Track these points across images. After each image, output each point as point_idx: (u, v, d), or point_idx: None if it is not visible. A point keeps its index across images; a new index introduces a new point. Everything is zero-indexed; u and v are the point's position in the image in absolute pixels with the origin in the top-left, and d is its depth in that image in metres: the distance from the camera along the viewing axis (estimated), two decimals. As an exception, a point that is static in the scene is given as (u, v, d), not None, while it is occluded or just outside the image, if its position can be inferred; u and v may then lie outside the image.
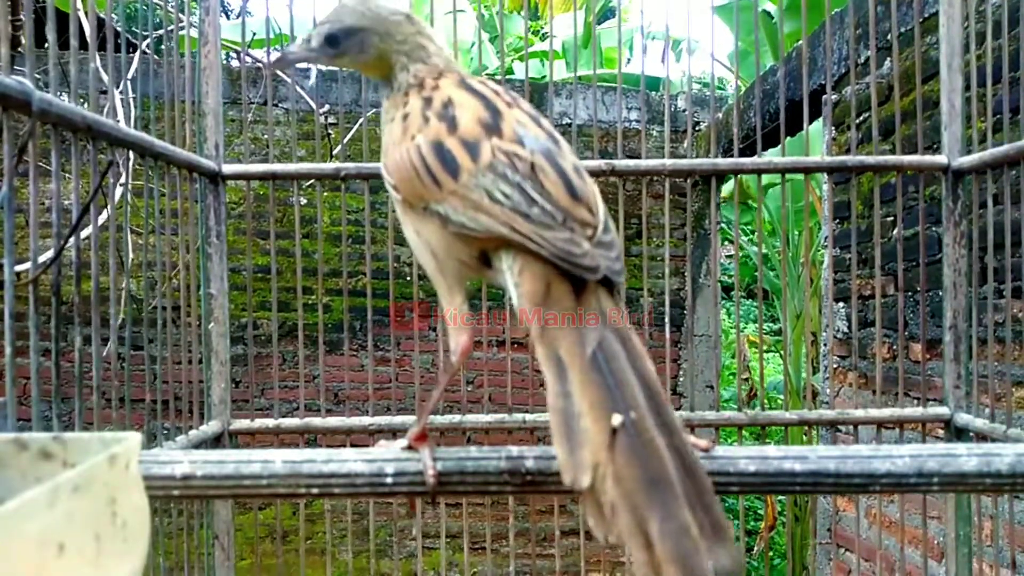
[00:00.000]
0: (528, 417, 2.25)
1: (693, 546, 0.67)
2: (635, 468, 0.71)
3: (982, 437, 2.00)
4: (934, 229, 3.14)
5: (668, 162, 2.19)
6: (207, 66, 2.10)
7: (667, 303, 2.38)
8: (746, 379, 8.27)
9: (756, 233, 5.41)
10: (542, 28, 10.16)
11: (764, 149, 4.61)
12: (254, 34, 5.35)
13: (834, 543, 4.02)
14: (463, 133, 0.91)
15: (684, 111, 6.18)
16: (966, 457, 0.77)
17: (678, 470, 0.72)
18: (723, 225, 8.52)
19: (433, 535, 5.62)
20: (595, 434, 0.73)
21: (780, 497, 7.13)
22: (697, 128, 6.31)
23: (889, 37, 3.40)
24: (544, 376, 0.80)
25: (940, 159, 2.13)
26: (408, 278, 5.83)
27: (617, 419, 0.73)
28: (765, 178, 5.86)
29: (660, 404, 0.76)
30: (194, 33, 2.10)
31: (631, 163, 2.19)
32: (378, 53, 1.05)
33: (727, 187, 6.34)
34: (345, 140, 2.48)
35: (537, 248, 0.83)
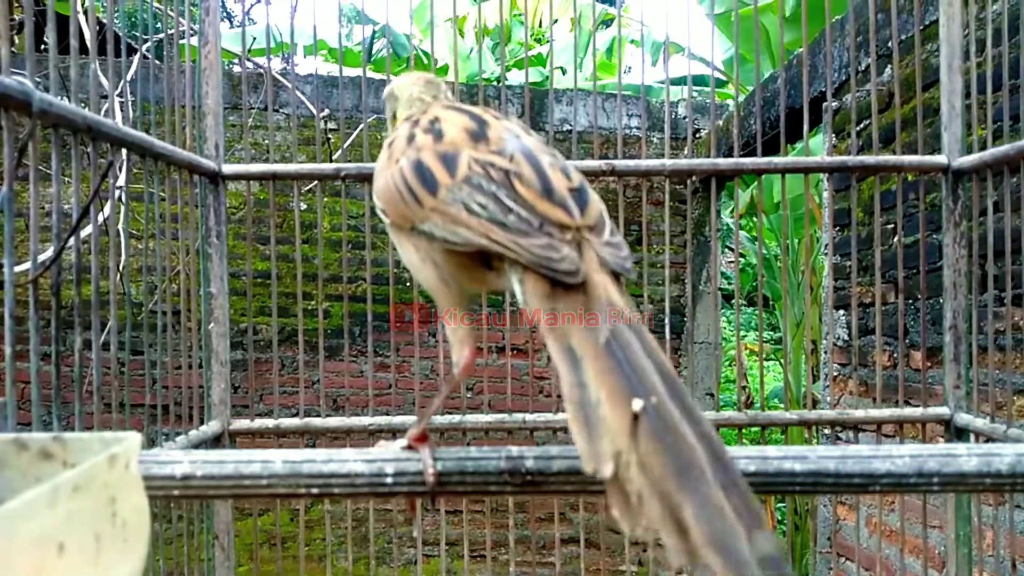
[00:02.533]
0: (528, 417, 2.24)
1: (731, 529, 0.65)
2: (661, 454, 0.69)
3: (984, 438, 2.00)
4: (934, 236, 3.15)
5: (668, 162, 2.19)
6: (207, 67, 2.10)
7: (667, 310, 2.38)
8: (744, 387, 8.27)
9: (757, 240, 5.43)
10: (543, 34, 10.19)
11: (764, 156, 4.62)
12: (254, 39, 5.37)
13: (834, 552, 4.01)
14: (446, 144, 0.93)
15: (684, 118, 6.19)
16: (966, 457, 0.77)
17: (707, 455, 0.69)
18: (728, 225, 8.53)
19: (432, 542, 5.61)
20: (615, 420, 0.72)
21: (780, 505, 7.13)
22: (697, 135, 6.32)
23: (889, 44, 3.40)
24: (557, 369, 0.78)
25: (940, 159, 2.13)
26: (408, 284, 5.83)
27: (638, 404, 0.71)
28: (771, 201, 5.87)
29: (679, 391, 0.74)
30: (194, 39, 2.10)
31: (631, 163, 2.19)
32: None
33: (743, 196, 6.36)
34: (345, 145, 2.48)
35: (515, 256, 0.83)
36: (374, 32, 8.97)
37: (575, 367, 0.77)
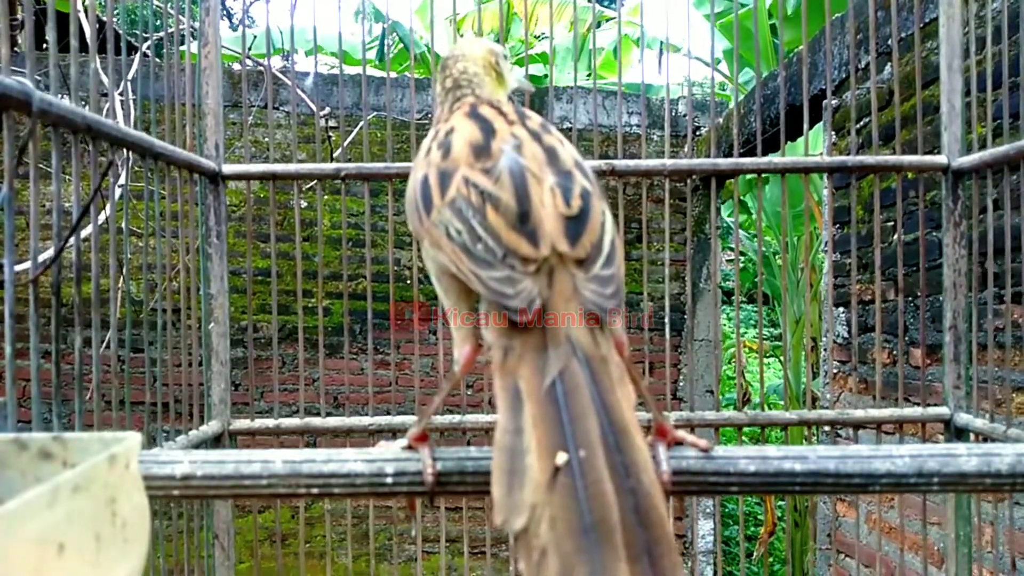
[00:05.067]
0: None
1: None
2: (571, 512, 0.67)
3: (984, 438, 2.00)
4: (934, 234, 3.14)
5: (668, 162, 2.19)
6: (207, 66, 2.10)
7: (667, 307, 2.39)
8: (742, 384, 8.28)
9: (756, 237, 5.42)
10: (542, 34, 10.18)
11: (764, 154, 4.63)
12: (255, 38, 5.36)
13: (834, 548, 4.01)
14: (449, 161, 0.92)
15: (684, 116, 6.18)
16: (966, 457, 0.77)
17: (627, 515, 0.68)
18: (728, 223, 8.52)
19: (433, 539, 5.62)
20: (537, 473, 0.70)
21: (780, 502, 7.13)
22: (698, 133, 6.32)
23: (889, 42, 3.40)
24: (497, 409, 0.76)
25: (940, 159, 2.13)
26: (408, 281, 5.83)
27: (562, 458, 0.70)
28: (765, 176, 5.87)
29: (623, 442, 0.72)
30: (194, 43, 2.10)
31: (631, 163, 2.19)
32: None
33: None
34: (346, 143, 2.48)
35: (474, 287, 0.82)
36: (384, 30, 8.98)
37: (515, 411, 0.75)
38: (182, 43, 2.13)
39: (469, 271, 0.83)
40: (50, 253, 1.30)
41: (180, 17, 2.07)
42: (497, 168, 0.89)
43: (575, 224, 0.86)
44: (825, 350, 4.27)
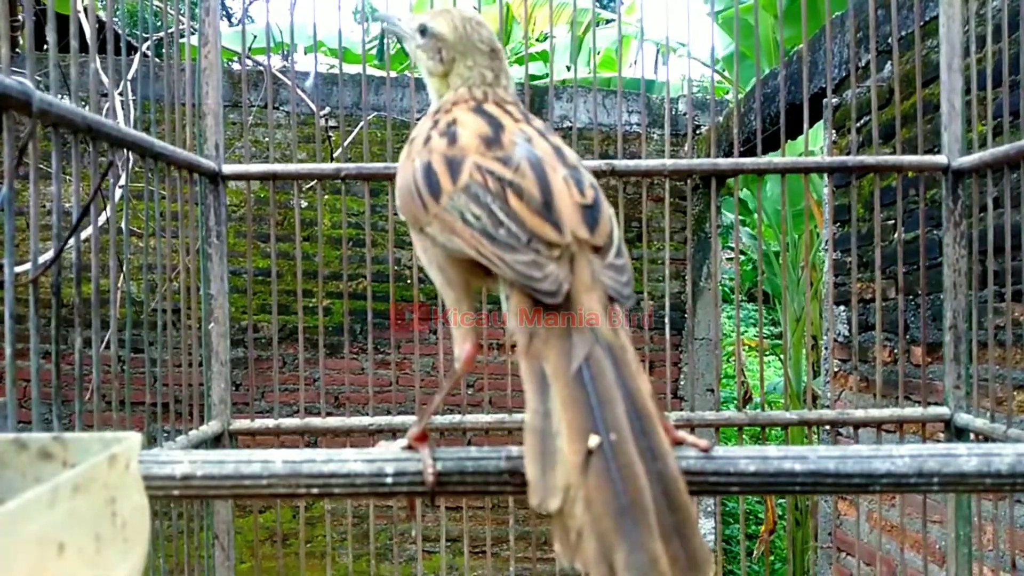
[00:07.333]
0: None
1: None
2: (607, 493, 0.69)
3: (984, 438, 2.00)
4: (935, 232, 3.14)
5: (668, 162, 2.19)
6: (207, 66, 2.10)
7: (667, 306, 2.38)
8: (743, 383, 8.28)
9: (757, 236, 5.41)
10: (543, 33, 10.17)
11: (764, 152, 4.62)
12: (255, 37, 5.36)
13: (835, 547, 4.01)
14: (456, 149, 0.92)
15: (685, 114, 6.18)
16: (966, 457, 0.77)
17: (657, 497, 0.70)
18: (728, 220, 8.52)
19: (433, 539, 5.62)
20: (569, 455, 0.72)
21: (781, 500, 7.13)
22: (698, 132, 6.31)
23: (890, 41, 3.40)
24: (524, 393, 0.78)
25: (940, 159, 2.13)
26: (408, 281, 5.83)
27: (594, 440, 0.71)
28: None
29: (647, 427, 0.74)
30: (194, 38, 2.10)
31: (631, 163, 2.19)
32: (446, 68, 1.08)
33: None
34: (346, 143, 2.48)
35: (499, 271, 0.83)
36: (383, 30, 8.97)
37: (543, 394, 0.76)
38: (182, 37, 2.13)
39: (492, 254, 0.83)
40: (50, 254, 1.30)
41: (180, 17, 2.07)
42: (515, 158, 0.90)
43: (591, 212, 0.88)
44: (826, 348, 4.27)
